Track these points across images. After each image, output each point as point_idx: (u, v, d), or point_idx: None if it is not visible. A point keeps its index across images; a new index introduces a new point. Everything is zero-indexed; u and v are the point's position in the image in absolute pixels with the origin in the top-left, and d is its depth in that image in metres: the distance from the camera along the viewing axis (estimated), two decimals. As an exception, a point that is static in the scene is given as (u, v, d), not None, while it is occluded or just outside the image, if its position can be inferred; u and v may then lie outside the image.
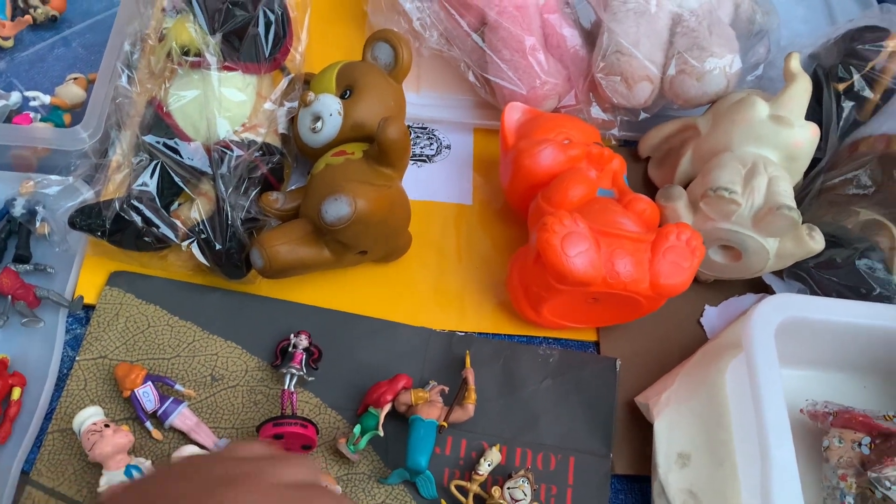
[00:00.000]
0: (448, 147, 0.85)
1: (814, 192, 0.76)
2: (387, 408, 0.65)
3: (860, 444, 0.62)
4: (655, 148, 0.83)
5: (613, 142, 0.84)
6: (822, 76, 0.76)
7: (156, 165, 0.68)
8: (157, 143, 0.69)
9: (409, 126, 0.86)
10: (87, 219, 0.68)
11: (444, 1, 0.82)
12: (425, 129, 0.86)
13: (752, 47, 0.84)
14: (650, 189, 0.83)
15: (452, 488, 0.65)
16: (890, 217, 0.71)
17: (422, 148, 0.85)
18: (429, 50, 0.84)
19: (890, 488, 0.58)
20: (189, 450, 0.64)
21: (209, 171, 0.70)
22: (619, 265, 0.64)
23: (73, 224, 0.68)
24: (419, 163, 0.84)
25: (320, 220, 0.64)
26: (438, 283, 0.76)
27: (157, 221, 0.68)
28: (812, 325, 0.63)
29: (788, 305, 0.62)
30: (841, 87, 0.75)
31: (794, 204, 0.67)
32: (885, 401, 0.69)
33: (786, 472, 0.54)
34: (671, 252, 0.65)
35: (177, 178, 0.69)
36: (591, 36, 0.84)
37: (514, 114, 0.77)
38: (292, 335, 0.69)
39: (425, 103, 0.86)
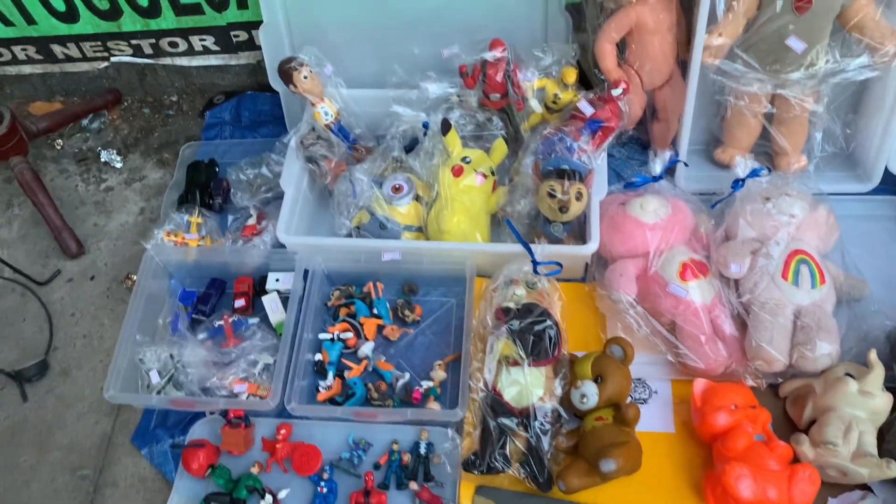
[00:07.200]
0: (655, 392, 1.40)
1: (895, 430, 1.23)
2: None
3: None
4: (790, 393, 1.33)
5: (763, 387, 1.35)
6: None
7: (503, 436, 1.27)
8: (494, 418, 1.29)
9: (629, 379, 1.41)
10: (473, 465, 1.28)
11: (645, 309, 1.38)
12: (640, 380, 1.41)
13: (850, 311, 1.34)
14: (787, 419, 1.32)
15: None
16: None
17: (639, 394, 1.40)
18: (641, 336, 1.39)
19: None
20: None
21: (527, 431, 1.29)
22: (769, 493, 1.15)
23: (464, 465, 1.29)
24: (638, 403, 1.39)
25: (598, 470, 1.20)
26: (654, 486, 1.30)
27: (499, 465, 1.27)
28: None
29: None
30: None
31: (875, 451, 1.16)
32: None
33: None
34: (801, 483, 1.16)
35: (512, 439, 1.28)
36: (741, 322, 1.36)
37: (699, 385, 1.31)
38: None
39: (641, 362, 1.41)
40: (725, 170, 1.63)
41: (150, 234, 1.60)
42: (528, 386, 1.31)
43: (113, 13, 1.73)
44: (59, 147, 1.90)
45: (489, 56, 1.53)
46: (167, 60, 1.86)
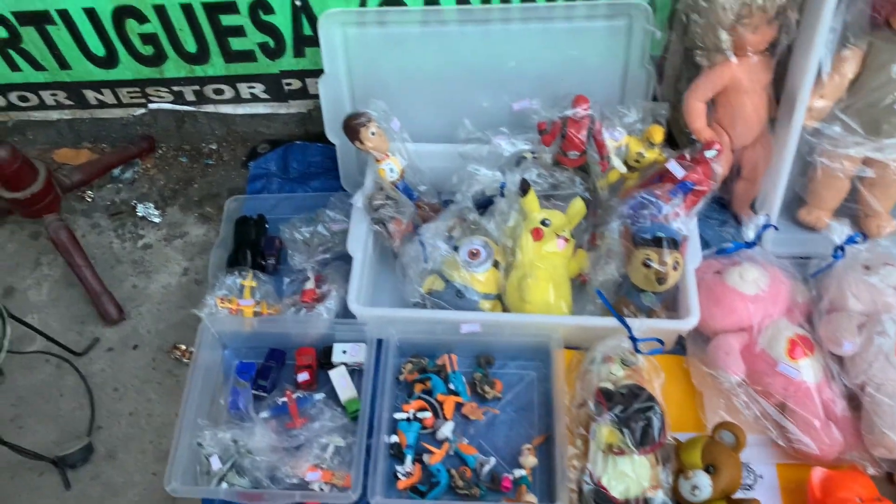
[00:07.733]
0: (761, 477, 1.31)
1: None
2: None
3: None
4: (911, 480, 1.25)
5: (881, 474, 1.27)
6: None
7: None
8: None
9: (732, 462, 1.32)
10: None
11: (754, 388, 1.30)
12: (744, 463, 1.32)
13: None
14: (907, 507, 1.24)
15: None
16: None
17: (744, 479, 1.30)
18: (749, 417, 1.30)
19: None
20: None
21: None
22: None
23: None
24: (743, 489, 1.29)
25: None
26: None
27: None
28: None
29: None
30: None
31: None
32: None
33: None
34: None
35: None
36: (853, 398, 1.28)
37: (818, 475, 1.22)
38: None
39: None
40: (811, 231, 1.56)
41: (196, 298, 1.47)
42: (638, 478, 1.22)
43: (156, 59, 1.60)
44: (89, 199, 1.76)
45: (571, 113, 1.44)
46: (209, 108, 1.73)
